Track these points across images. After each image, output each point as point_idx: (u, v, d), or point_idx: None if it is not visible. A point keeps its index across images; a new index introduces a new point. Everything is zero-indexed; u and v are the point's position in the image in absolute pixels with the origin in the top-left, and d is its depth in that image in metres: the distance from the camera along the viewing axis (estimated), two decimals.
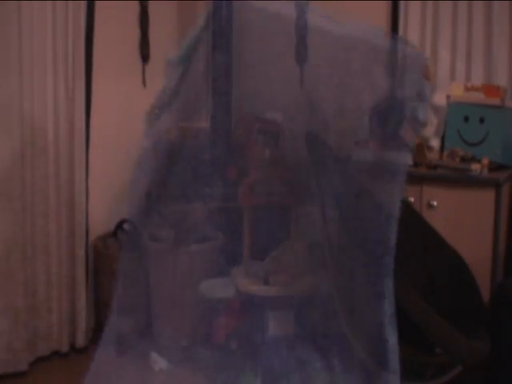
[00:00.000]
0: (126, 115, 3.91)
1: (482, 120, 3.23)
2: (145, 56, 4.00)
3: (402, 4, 3.65)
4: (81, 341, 3.59)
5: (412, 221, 2.95)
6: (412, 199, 3.18)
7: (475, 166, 3.07)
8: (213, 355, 2.58)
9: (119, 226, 3.87)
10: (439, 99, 3.36)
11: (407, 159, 2.29)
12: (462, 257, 2.92)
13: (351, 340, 2.40)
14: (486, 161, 3.10)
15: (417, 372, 3.01)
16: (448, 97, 3.34)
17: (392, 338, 2.30)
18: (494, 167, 3.14)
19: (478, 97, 3.25)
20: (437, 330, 2.63)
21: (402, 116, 3.39)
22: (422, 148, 3.26)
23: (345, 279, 2.41)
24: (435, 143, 3.34)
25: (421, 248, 2.95)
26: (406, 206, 3.01)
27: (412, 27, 3.62)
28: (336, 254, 2.45)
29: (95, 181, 3.73)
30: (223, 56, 2.45)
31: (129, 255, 2.58)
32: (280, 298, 2.50)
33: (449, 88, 3.39)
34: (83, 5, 3.43)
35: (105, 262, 3.72)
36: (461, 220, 3.12)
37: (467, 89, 3.30)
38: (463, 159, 3.16)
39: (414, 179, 3.19)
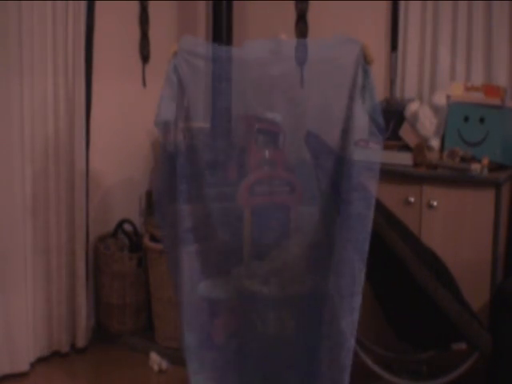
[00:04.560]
0: (126, 115, 3.91)
1: (481, 120, 3.23)
2: (145, 56, 4.00)
3: (402, 4, 3.64)
4: (81, 341, 3.59)
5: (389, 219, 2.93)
6: (412, 199, 3.18)
7: (475, 166, 3.07)
8: (213, 355, 2.58)
9: (119, 225, 3.87)
10: (439, 99, 3.36)
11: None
12: (437, 253, 2.92)
13: (351, 340, 2.40)
14: (485, 161, 3.10)
15: (414, 370, 3.03)
16: (448, 97, 3.33)
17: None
18: (494, 167, 3.14)
19: (478, 97, 3.25)
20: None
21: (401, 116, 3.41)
22: (421, 148, 3.26)
23: (343, 278, 2.41)
24: (435, 143, 3.34)
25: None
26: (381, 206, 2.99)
27: (412, 27, 3.62)
28: (335, 253, 2.45)
29: (95, 181, 3.73)
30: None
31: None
32: (280, 297, 2.50)
33: (449, 88, 3.39)
34: (83, 5, 3.43)
35: (105, 261, 3.73)
36: (461, 220, 3.11)
37: (467, 89, 3.30)
38: (463, 159, 3.16)
39: (414, 179, 3.19)
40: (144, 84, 4.01)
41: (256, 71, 2.48)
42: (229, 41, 3.97)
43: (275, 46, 2.47)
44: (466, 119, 3.26)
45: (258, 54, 2.43)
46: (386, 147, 3.34)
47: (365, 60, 2.26)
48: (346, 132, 2.31)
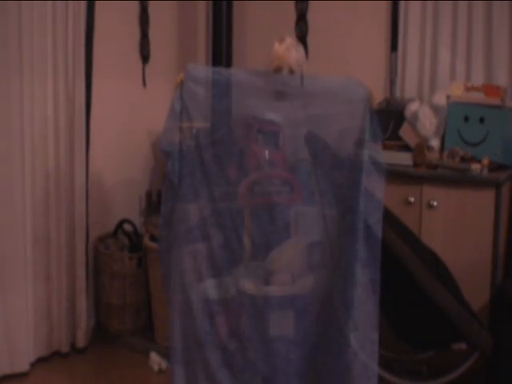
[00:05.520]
0: (126, 115, 3.91)
1: (481, 120, 3.23)
2: (145, 56, 4.00)
3: (402, 4, 3.65)
4: (81, 341, 3.59)
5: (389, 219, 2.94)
6: (412, 199, 3.18)
7: (475, 166, 3.07)
8: (213, 355, 2.58)
9: (119, 225, 3.87)
10: (439, 99, 3.36)
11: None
12: (437, 253, 2.92)
13: (351, 339, 2.40)
14: (485, 161, 3.10)
15: (414, 370, 3.03)
16: (448, 97, 3.33)
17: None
18: (494, 167, 3.14)
19: (478, 97, 3.25)
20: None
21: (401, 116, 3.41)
22: (422, 148, 3.26)
23: (343, 278, 2.42)
24: (435, 143, 3.34)
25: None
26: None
27: (412, 27, 3.62)
28: (336, 253, 2.46)
29: (95, 180, 3.73)
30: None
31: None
32: (280, 297, 2.50)
33: (449, 88, 3.39)
34: (83, 5, 3.43)
35: (105, 261, 3.73)
36: (461, 220, 3.11)
37: (467, 89, 3.30)
38: (463, 159, 3.16)
39: (414, 179, 3.20)
40: (144, 84, 4.01)
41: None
42: (229, 40, 3.98)
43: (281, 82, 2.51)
44: (466, 119, 3.27)
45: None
46: (386, 147, 3.36)
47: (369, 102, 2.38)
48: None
